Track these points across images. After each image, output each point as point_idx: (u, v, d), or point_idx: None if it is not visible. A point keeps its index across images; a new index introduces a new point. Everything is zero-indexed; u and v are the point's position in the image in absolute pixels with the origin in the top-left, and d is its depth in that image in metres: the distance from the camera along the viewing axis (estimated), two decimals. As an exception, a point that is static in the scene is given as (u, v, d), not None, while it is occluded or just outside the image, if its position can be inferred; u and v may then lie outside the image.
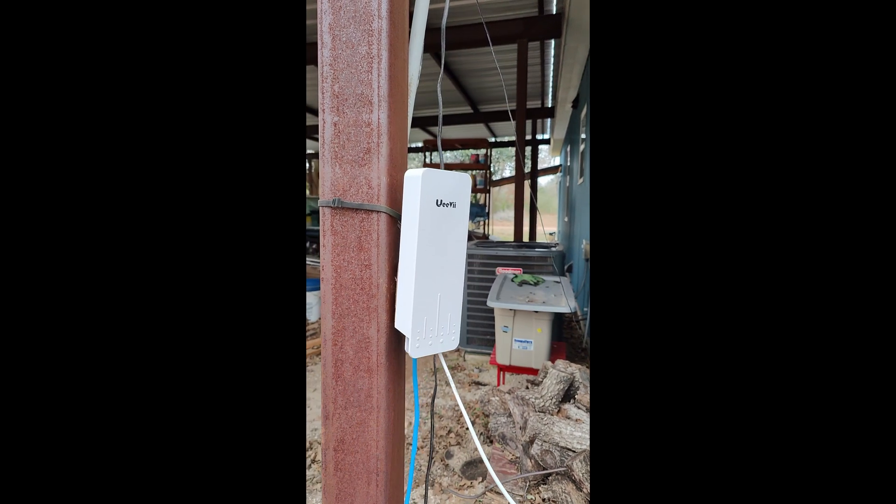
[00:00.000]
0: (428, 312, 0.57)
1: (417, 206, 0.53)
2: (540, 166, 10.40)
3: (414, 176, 0.54)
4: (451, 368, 3.40)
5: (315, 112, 8.06)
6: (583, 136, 4.41)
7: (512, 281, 3.09)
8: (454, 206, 0.57)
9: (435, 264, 0.56)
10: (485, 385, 3.06)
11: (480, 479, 1.97)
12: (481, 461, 2.07)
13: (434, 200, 0.54)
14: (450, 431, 2.41)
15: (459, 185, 0.57)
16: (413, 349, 0.57)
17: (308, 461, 2.22)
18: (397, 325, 0.59)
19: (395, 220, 0.59)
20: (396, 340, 0.63)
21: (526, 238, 9.39)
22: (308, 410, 2.80)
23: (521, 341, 2.65)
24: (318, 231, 7.09)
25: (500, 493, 1.78)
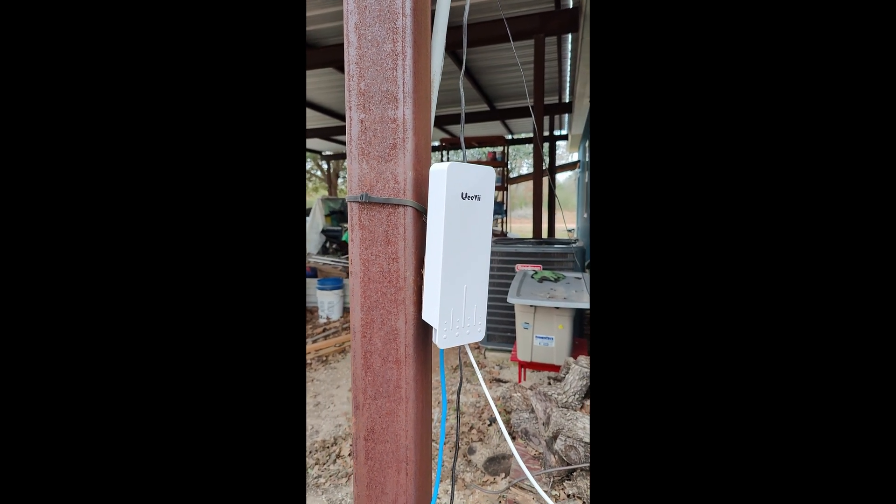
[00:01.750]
0: (455, 304, 0.58)
1: (443, 199, 0.54)
2: (558, 163, 10.29)
3: (440, 170, 0.55)
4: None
5: (333, 114, 8.16)
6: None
7: (532, 277, 3.07)
8: (479, 198, 0.57)
9: (461, 256, 0.57)
10: (506, 382, 3.06)
11: (503, 474, 1.98)
12: (504, 457, 2.07)
13: (459, 193, 0.55)
14: (472, 427, 2.42)
15: (484, 178, 0.57)
16: (440, 340, 0.58)
17: (333, 456, 2.26)
18: (424, 317, 0.60)
19: (421, 214, 0.60)
20: (423, 332, 0.64)
21: (545, 234, 9.31)
22: (332, 406, 2.85)
23: (542, 338, 2.64)
24: (337, 231, 7.16)
25: (523, 489, 1.78)
